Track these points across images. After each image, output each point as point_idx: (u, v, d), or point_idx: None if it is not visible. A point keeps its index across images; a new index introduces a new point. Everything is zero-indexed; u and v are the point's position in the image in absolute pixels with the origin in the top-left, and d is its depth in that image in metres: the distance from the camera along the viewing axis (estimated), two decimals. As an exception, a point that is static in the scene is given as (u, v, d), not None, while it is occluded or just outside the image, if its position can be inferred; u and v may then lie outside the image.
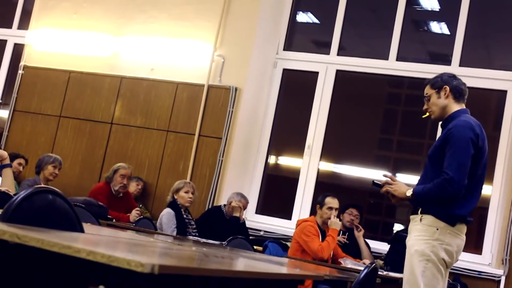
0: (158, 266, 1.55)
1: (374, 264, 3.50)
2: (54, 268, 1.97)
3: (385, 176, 3.88)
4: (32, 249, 1.71)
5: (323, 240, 5.46)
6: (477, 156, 3.56)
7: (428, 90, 3.82)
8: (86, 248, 1.65)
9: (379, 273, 4.82)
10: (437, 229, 3.49)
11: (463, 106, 3.78)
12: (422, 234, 3.54)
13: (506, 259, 5.69)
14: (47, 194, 2.33)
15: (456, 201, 3.51)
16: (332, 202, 5.59)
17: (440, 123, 3.83)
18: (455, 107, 3.74)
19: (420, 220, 3.57)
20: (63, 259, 1.74)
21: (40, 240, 1.69)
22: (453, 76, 3.83)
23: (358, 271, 4.09)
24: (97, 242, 2.33)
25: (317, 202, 5.74)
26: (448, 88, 3.74)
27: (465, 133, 3.53)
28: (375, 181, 3.90)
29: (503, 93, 6.29)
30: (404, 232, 5.94)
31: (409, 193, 3.66)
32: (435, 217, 3.51)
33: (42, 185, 5.72)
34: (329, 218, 5.53)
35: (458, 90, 3.76)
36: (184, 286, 2.06)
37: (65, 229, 2.28)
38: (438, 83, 3.78)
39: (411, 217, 3.70)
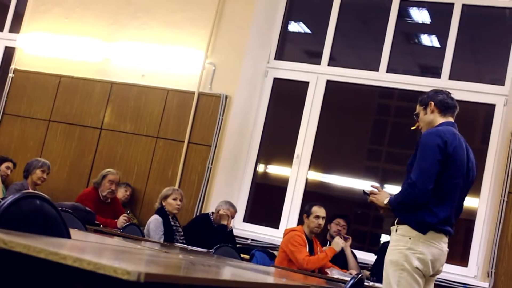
0: (144, 274, 1.55)
1: (360, 275, 3.52)
2: (40, 274, 1.97)
3: (372, 186, 3.92)
4: (18, 255, 1.71)
5: (310, 249, 5.48)
6: (447, 162, 3.60)
7: (417, 108, 3.92)
8: (72, 255, 1.65)
9: (365, 283, 4.84)
10: (410, 239, 3.55)
11: (449, 119, 3.84)
12: (396, 244, 3.61)
13: (491, 272, 5.72)
14: (35, 199, 2.32)
15: (426, 207, 3.56)
16: (318, 211, 5.62)
17: None
18: (439, 120, 3.82)
19: (396, 230, 3.64)
20: (49, 265, 1.73)
21: (26, 246, 1.69)
22: (439, 91, 3.92)
23: (345, 282, 4.10)
24: (84, 249, 2.32)
25: (304, 212, 5.76)
26: (432, 103, 3.82)
27: (431, 139, 3.62)
28: (365, 191, 3.95)
29: (492, 107, 6.33)
30: (391, 243, 5.98)
31: (386, 201, 3.73)
32: (408, 226, 3.57)
33: (30, 190, 5.70)
34: (317, 227, 5.56)
35: (443, 104, 3.83)
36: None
37: (52, 235, 2.28)
38: (425, 100, 3.88)
39: (391, 228, 3.76)
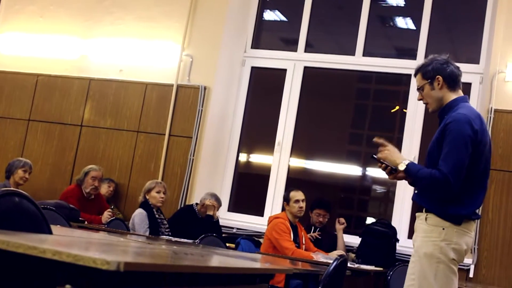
0: (124, 263, 1.57)
1: (343, 257, 3.56)
2: (21, 270, 1.98)
3: (376, 141, 3.55)
4: (-1, 252, 1.73)
5: (294, 235, 5.53)
6: (478, 152, 3.34)
7: (420, 81, 3.54)
8: (51, 248, 1.67)
9: (350, 265, 4.91)
10: (443, 229, 3.33)
11: (460, 93, 3.53)
12: (428, 235, 3.36)
13: (474, 248, 5.80)
14: (13, 197, 2.33)
15: (457, 199, 3.34)
16: (296, 195, 5.70)
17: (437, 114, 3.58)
18: (451, 96, 3.48)
19: (426, 219, 3.39)
20: (30, 261, 1.75)
21: (5, 242, 1.71)
22: (446, 62, 3.51)
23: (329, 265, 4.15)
24: (66, 243, 2.34)
25: (283, 199, 5.83)
26: (441, 78, 3.46)
27: (463, 130, 3.29)
28: (373, 155, 3.53)
29: (468, 85, 6.38)
30: (375, 225, 6.05)
31: (401, 167, 3.39)
32: (439, 217, 3.34)
33: (9, 188, 5.68)
34: (299, 211, 5.66)
35: (452, 77, 3.48)
36: (154, 284, 2.08)
37: (32, 231, 2.29)
38: (430, 72, 3.49)
39: (417, 214, 3.49)
